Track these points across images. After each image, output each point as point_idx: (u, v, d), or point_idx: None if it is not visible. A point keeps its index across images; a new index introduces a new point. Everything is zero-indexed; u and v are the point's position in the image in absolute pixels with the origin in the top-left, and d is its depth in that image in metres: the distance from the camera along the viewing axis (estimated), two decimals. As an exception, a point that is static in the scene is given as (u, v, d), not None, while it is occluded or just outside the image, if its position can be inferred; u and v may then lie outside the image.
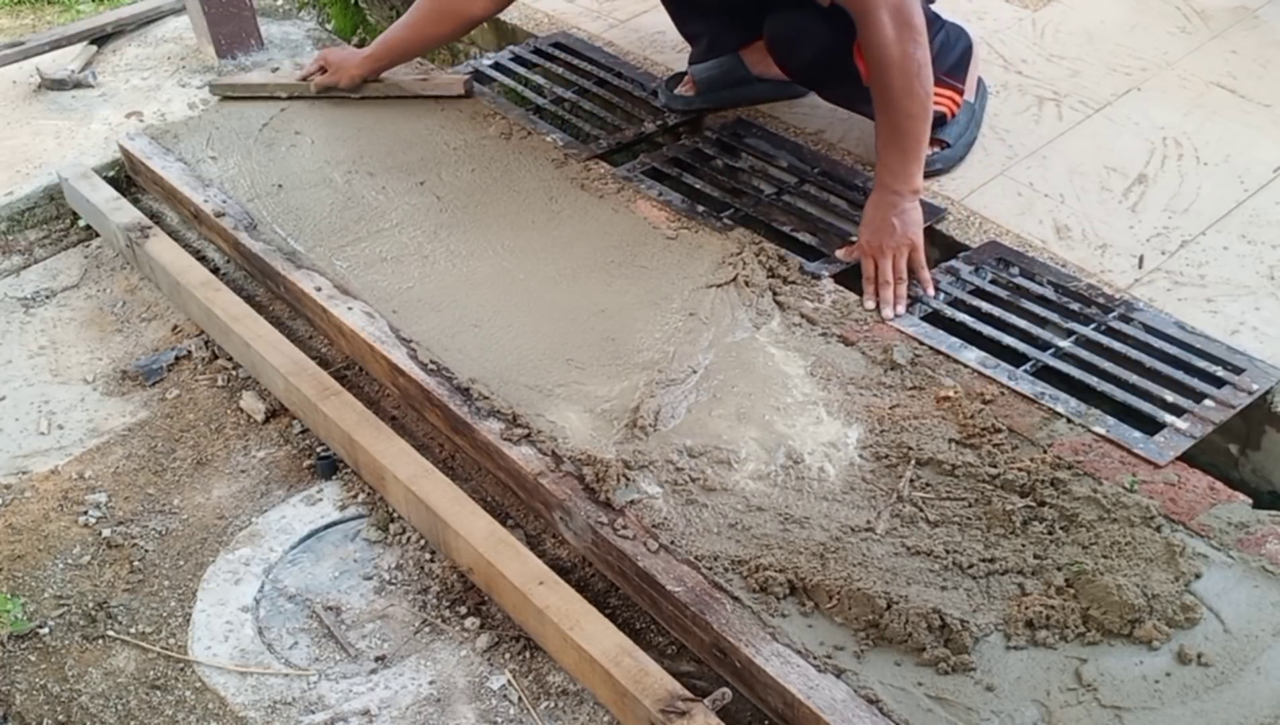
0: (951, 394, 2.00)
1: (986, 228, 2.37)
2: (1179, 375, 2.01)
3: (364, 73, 2.86)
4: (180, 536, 2.09)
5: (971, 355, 2.09)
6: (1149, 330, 2.10)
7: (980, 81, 2.64)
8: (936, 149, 2.49)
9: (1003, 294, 2.23)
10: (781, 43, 2.50)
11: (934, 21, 2.41)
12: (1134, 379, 2.02)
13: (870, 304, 2.20)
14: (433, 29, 2.79)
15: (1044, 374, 2.06)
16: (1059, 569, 1.70)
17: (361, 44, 3.76)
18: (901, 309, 2.18)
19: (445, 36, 2.90)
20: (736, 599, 1.71)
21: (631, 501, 1.86)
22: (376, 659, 1.87)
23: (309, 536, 2.07)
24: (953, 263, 2.30)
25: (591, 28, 3.17)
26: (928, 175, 2.41)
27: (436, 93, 2.88)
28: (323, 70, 2.88)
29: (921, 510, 1.82)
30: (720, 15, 2.66)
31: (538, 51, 3.08)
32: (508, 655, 1.85)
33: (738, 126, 2.72)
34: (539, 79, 2.99)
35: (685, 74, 2.76)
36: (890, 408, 1.99)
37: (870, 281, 2.22)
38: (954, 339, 2.13)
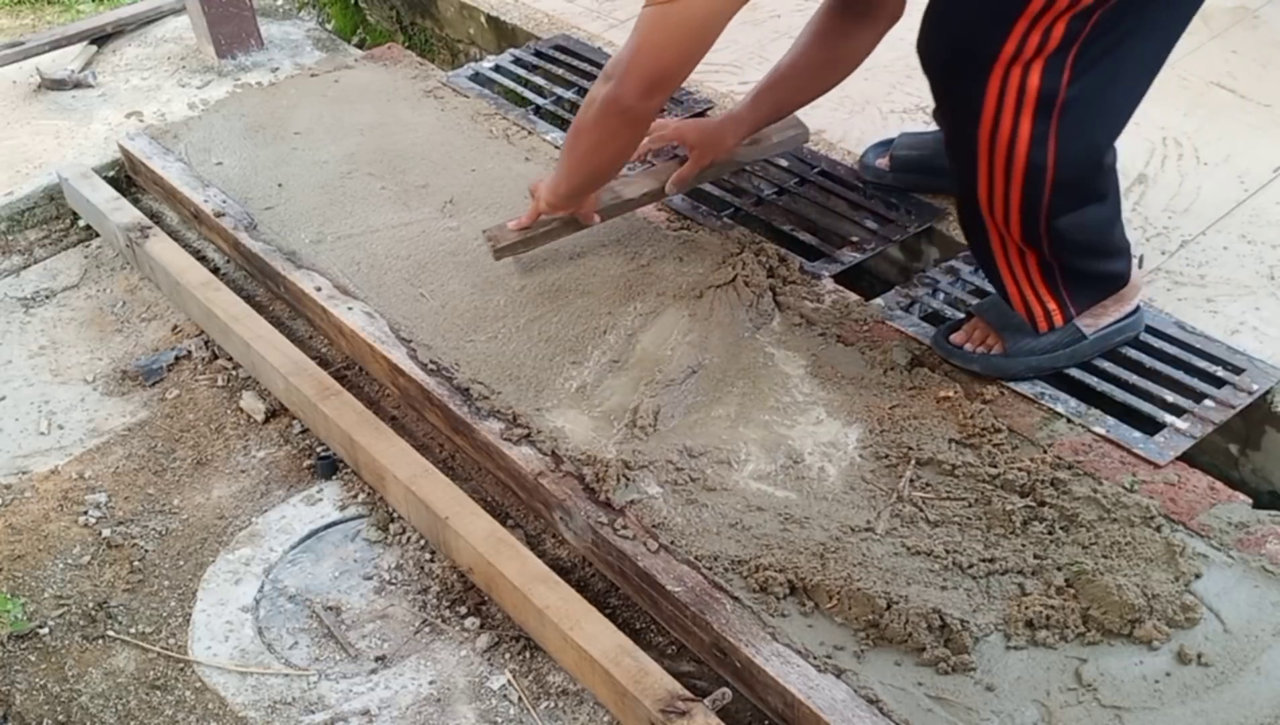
0: (951, 394, 2.00)
1: (986, 228, 2.36)
2: (1179, 375, 2.00)
3: (740, 141, 2.34)
4: (180, 536, 2.09)
5: (971, 355, 2.09)
6: (1149, 330, 2.09)
7: (1129, 313, 2.04)
8: (996, 348, 2.01)
9: (1003, 294, 2.22)
10: None
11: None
12: (1134, 379, 2.02)
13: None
14: (822, 80, 2.27)
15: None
16: (1059, 569, 1.70)
17: (361, 44, 3.75)
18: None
19: (829, 87, 2.30)
20: (736, 599, 1.71)
21: (631, 501, 1.86)
22: (376, 659, 1.87)
23: (309, 536, 2.08)
24: (953, 263, 2.30)
25: (591, 28, 3.17)
26: (965, 369, 2.04)
27: (780, 151, 2.54)
28: (654, 154, 2.19)
29: (921, 510, 1.82)
30: None
31: (539, 54, 3.08)
32: (508, 655, 1.85)
33: (738, 127, 2.71)
34: (539, 80, 2.99)
35: (889, 144, 2.52)
36: (890, 408, 1.99)
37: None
38: (954, 339, 2.12)
